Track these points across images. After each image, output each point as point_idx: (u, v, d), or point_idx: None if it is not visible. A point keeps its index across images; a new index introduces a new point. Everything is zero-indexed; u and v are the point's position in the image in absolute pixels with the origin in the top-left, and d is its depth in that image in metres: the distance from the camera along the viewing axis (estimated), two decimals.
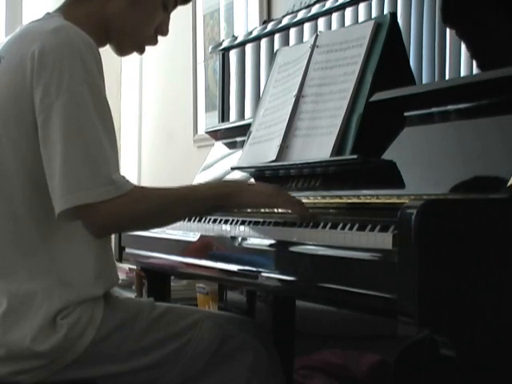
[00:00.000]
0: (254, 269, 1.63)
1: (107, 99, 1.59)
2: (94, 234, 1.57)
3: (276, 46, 2.29)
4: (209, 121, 3.66)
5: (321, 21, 2.10)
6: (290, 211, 1.67)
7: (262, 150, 1.96)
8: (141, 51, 1.81)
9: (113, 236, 2.33)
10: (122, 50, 1.79)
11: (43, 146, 1.53)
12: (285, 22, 2.26)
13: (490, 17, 1.63)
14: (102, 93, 1.57)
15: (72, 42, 1.55)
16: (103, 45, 1.75)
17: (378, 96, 1.71)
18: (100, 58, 1.59)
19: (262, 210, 1.85)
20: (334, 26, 2.05)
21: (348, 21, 2.00)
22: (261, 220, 1.77)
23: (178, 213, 1.65)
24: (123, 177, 1.55)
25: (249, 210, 1.88)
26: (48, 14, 1.70)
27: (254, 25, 3.14)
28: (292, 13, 2.26)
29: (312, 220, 1.60)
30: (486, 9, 1.64)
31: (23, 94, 1.56)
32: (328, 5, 2.08)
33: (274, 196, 1.67)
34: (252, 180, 2.05)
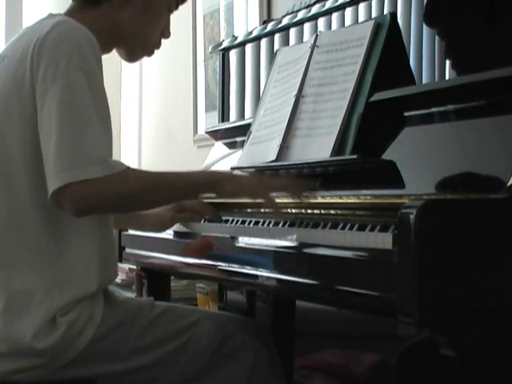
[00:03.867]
0: (254, 269, 1.64)
1: (104, 88, 1.60)
2: (77, 212, 1.56)
3: (276, 46, 2.29)
4: (209, 121, 3.66)
5: (321, 21, 2.10)
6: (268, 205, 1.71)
7: (262, 150, 1.96)
8: (150, 55, 1.83)
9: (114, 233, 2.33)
10: (132, 56, 1.82)
11: (41, 132, 1.55)
12: (285, 21, 2.26)
13: (471, 18, 1.63)
14: (98, 81, 1.59)
15: (72, 34, 1.57)
16: (108, 51, 1.77)
17: (378, 96, 1.71)
18: (99, 53, 1.61)
19: (262, 210, 1.85)
20: (334, 25, 2.05)
21: (348, 21, 2.00)
22: (261, 220, 1.77)
23: (163, 194, 1.66)
24: (116, 160, 1.57)
25: (249, 210, 1.89)
26: (51, 14, 1.70)
27: (254, 25, 3.14)
28: (292, 13, 2.26)
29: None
30: (468, 10, 1.64)
31: (25, 86, 1.58)
32: (328, 5, 2.08)
33: (255, 187, 1.70)
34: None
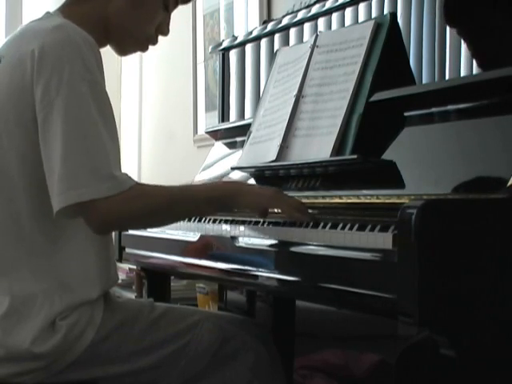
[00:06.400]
0: (254, 269, 1.63)
1: (108, 97, 1.59)
2: (95, 231, 1.56)
3: (276, 46, 2.29)
4: (209, 121, 3.66)
5: (321, 21, 2.10)
6: (288, 215, 1.67)
7: (262, 149, 1.96)
8: (143, 50, 1.79)
9: (113, 236, 2.33)
10: (122, 50, 1.79)
11: (43, 144, 1.53)
12: (285, 22, 2.26)
13: (491, 16, 1.63)
14: (102, 90, 1.57)
15: (72, 40, 1.55)
16: (103, 45, 1.74)
17: (378, 96, 1.71)
18: (100, 57, 1.59)
19: None
20: (334, 25, 2.05)
21: (348, 21, 2.00)
22: (261, 220, 1.77)
23: (177, 212, 1.64)
24: (125, 174, 1.55)
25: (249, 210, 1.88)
26: (48, 13, 1.69)
27: (254, 25, 3.14)
28: (292, 13, 2.26)
29: (311, 221, 1.60)
30: (488, 8, 1.64)
31: (23, 93, 1.55)
32: (328, 5, 2.08)
33: (274, 198, 1.66)
34: (252, 180, 2.05)
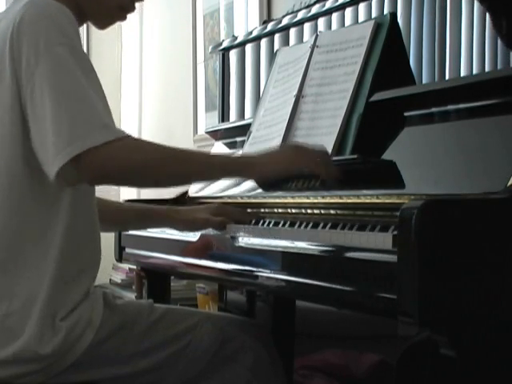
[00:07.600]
0: (254, 269, 1.64)
1: (88, 57, 1.57)
2: (91, 181, 1.53)
3: (276, 46, 2.29)
4: (209, 121, 3.66)
5: (321, 21, 2.10)
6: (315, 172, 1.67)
7: (262, 150, 1.95)
8: (120, 19, 1.76)
9: (113, 236, 2.34)
10: (100, 23, 1.76)
11: (32, 117, 1.51)
12: (285, 22, 2.26)
13: None
14: (82, 52, 1.56)
15: (46, 12, 1.53)
16: (81, 23, 1.71)
17: (378, 96, 1.71)
18: (77, 25, 1.58)
19: (262, 210, 1.85)
20: (334, 25, 2.05)
21: (348, 21, 2.00)
22: (260, 220, 1.77)
23: (181, 169, 1.60)
24: (118, 127, 1.53)
25: (249, 210, 1.88)
26: None
27: (254, 25, 3.14)
28: (292, 13, 2.26)
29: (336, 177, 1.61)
30: None
31: (7, 77, 1.53)
32: (328, 5, 2.08)
33: (292, 161, 1.66)
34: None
